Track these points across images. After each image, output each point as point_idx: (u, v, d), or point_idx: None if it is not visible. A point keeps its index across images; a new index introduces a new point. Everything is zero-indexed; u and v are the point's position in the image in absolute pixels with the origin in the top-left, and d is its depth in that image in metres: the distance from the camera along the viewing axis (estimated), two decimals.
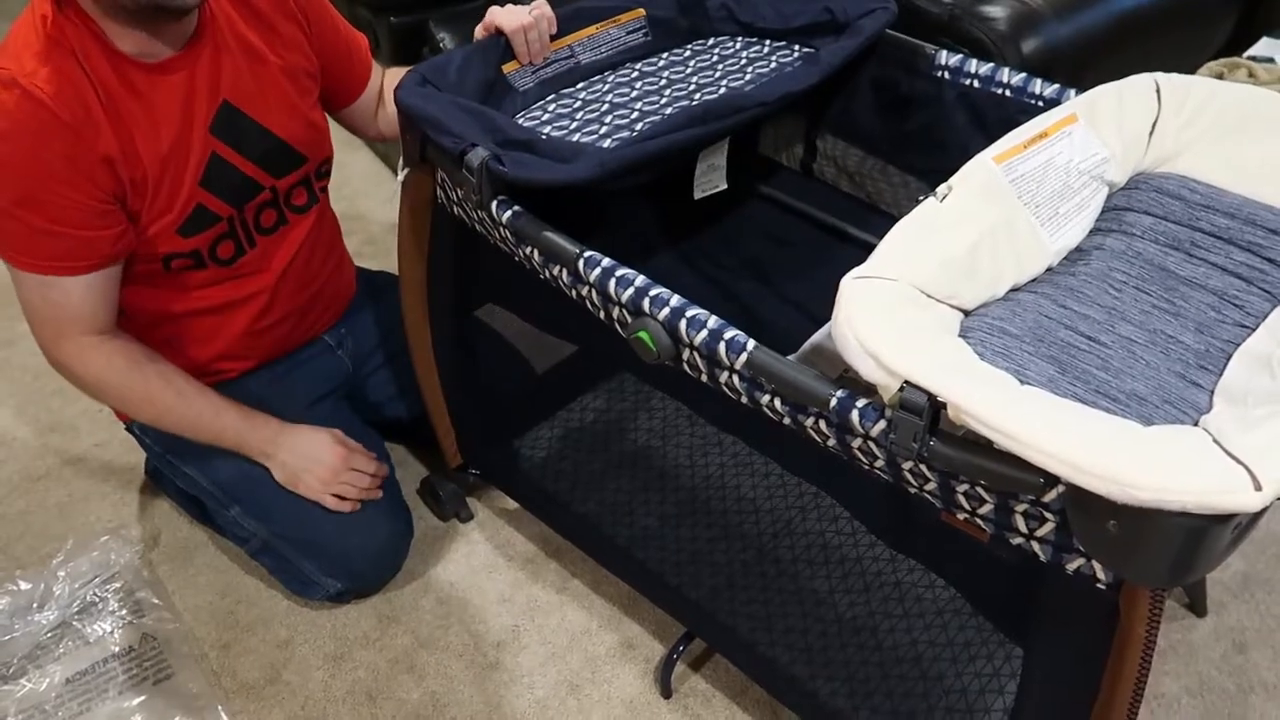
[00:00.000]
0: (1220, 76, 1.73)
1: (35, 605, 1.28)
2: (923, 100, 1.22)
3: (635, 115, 1.09)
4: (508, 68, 1.14)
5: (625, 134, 1.05)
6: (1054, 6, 2.03)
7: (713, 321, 0.80)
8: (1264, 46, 1.90)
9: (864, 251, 1.39)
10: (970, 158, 1.28)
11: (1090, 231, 0.93)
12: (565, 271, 0.91)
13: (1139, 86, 0.99)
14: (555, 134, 1.07)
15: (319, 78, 1.24)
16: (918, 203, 0.87)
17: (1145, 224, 0.91)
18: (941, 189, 0.86)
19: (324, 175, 1.29)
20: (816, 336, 1.22)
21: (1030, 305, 0.82)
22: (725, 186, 1.22)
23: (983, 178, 0.88)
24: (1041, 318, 0.80)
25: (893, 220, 1.36)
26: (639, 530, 1.29)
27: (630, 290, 0.85)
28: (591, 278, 0.88)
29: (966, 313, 0.81)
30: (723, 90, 1.13)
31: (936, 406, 0.66)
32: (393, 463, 1.39)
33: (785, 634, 1.15)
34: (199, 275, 1.20)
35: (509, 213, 0.94)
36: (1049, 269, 0.89)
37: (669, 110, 1.09)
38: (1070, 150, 0.94)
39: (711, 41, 1.29)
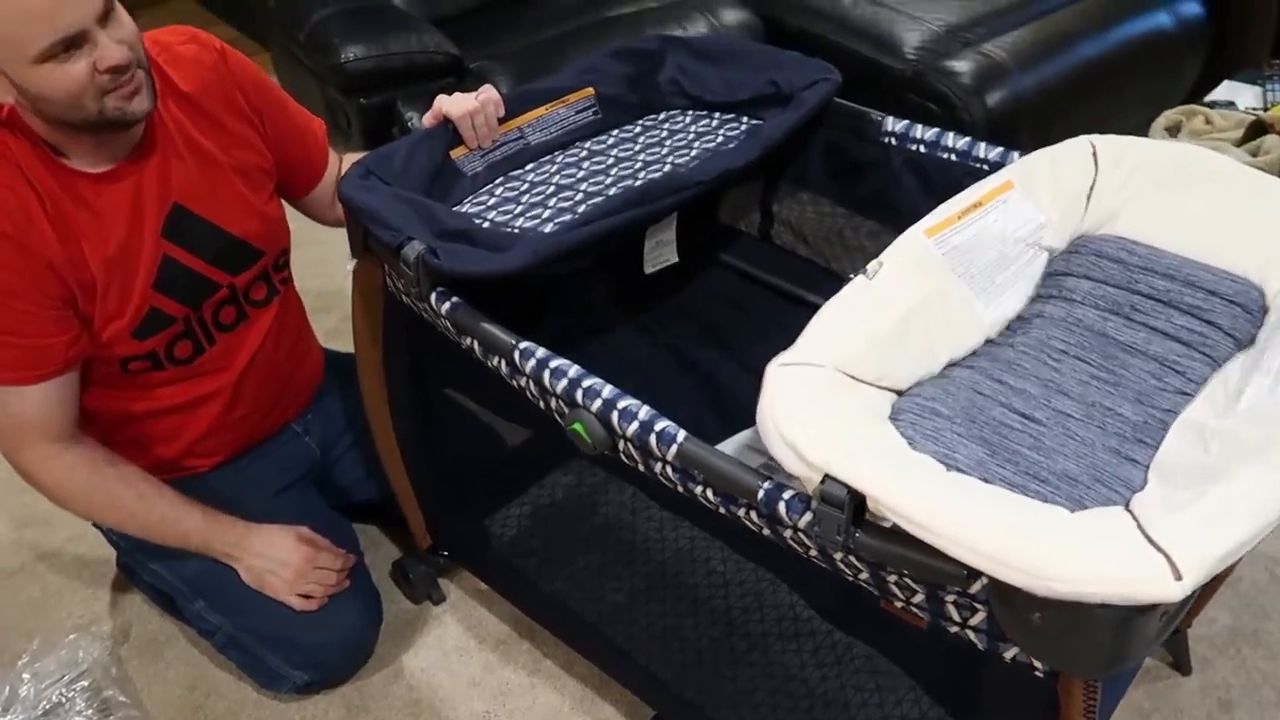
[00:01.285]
0: (1178, 125, 1.73)
1: (1, 709, 1.27)
2: (872, 166, 1.23)
3: (579, 196, 1.10)
4: (456, 153, 1.15)
5: (568, 216, 1.05)
6: (1017, 58, 2.06)
7: (644, 413, 0.80)
8: (1225, 90, 1.91)
9: None
10: (921, 220, 1.29)
11: (1031, 299, 0.93)
12: (504, 362, 0.91)
13: (1075, 150, 0.99)
14: (500, 218, 1.07)
15: (274, 171, 1.26)
16: (848, 279, 0.87)
17: (1085, 289, 0.91)
18: (872, 266, 0.86)
19: (282, 267, 1.29)
20: None
21: (965, 382, 0.81)
22: (676, 260, 1.22)
23: (914, 252, 0.88)
24: (975, 395, 0.79)
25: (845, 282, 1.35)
26: (608, 607, 1.27)
27: (564, 382, 0.84)
28: (527, 369, 0.87)
29: (900, 393, 0.80)
30: (668, 168, 1.14)
31: (858, 499, 0.65)
32: (361, 548, 1.38)
33: (754, 710, 1.13)
34: (158, 375, 1.20)
35: (447, 304, 0.94)
36: (988, 340, 0.88)
37: (614, 190, 1.10)
38: (1006, 218, 0.94)
39: (663, 116, 1.31)
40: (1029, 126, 2.01)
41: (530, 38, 2.07)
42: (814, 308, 1.34)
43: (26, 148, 1.03)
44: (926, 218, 0.90)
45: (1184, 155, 0.98)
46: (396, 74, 1.87)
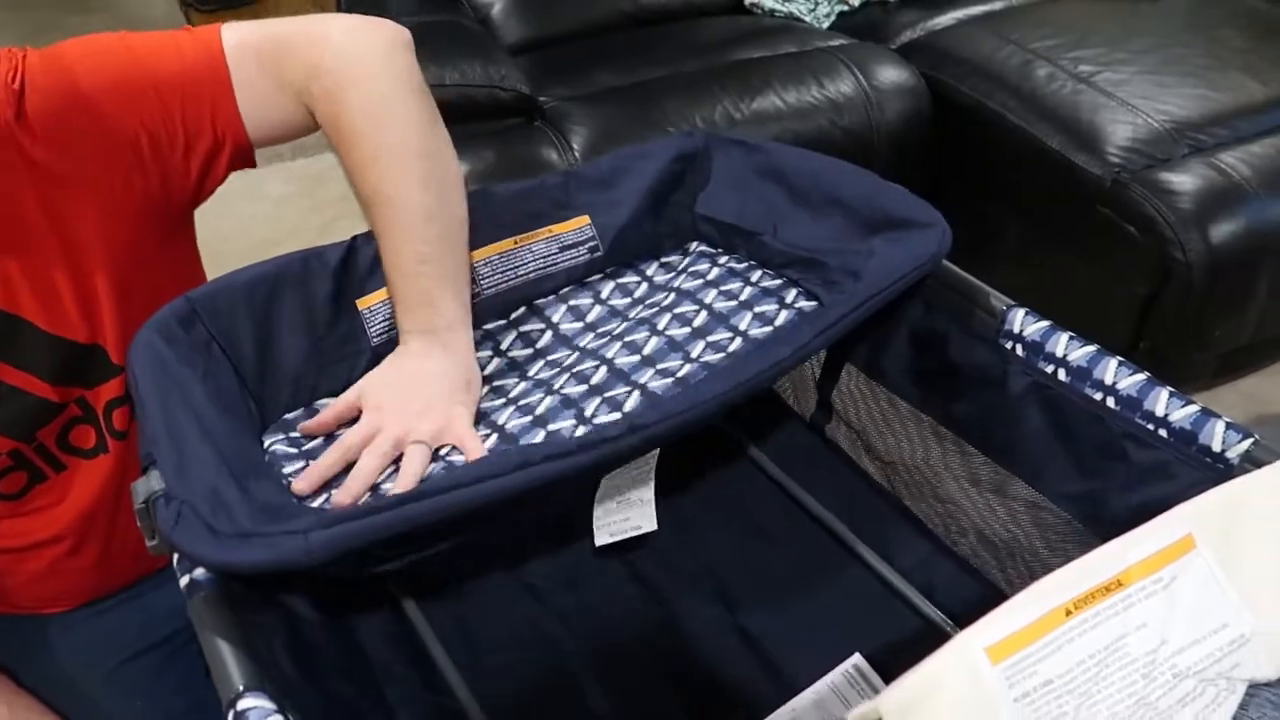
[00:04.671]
0: None
1: None
2: (978, 379, 0.79)
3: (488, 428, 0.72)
4: (365, 302, 0.80)
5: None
6: (1265, 176, 1.51)
7: None
8: None
9: (870, 577, 0.95)
10: (1048, 481, 0.85)
11: None
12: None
13: None
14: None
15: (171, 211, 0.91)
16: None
17: None
18: (860, 715, 0.44)
19: None
20: (797, 703, 0.82)
21: None
22: (652, 528, 0.82)
23: (959, 692, 0.45)
24: None
25: (922, 534, 0.92)
26: None
27: None
28: None
29: None
30: (648, 380, 0.73)
31: None
32: None
33: None
34: None
35: (186, 580, 0.58)
36: None
37: (528, 424, 0.70)
38: (1165, 622, 0.49)
39: (686, 259, 0.91)
40: (1268, 281, 1.47)
41: (628, 77, 1.70)
42: (861, 563, 0.91)
43: None
44: (988, 619, 0.46)
45: None
46: (449, 110, 1.54)
